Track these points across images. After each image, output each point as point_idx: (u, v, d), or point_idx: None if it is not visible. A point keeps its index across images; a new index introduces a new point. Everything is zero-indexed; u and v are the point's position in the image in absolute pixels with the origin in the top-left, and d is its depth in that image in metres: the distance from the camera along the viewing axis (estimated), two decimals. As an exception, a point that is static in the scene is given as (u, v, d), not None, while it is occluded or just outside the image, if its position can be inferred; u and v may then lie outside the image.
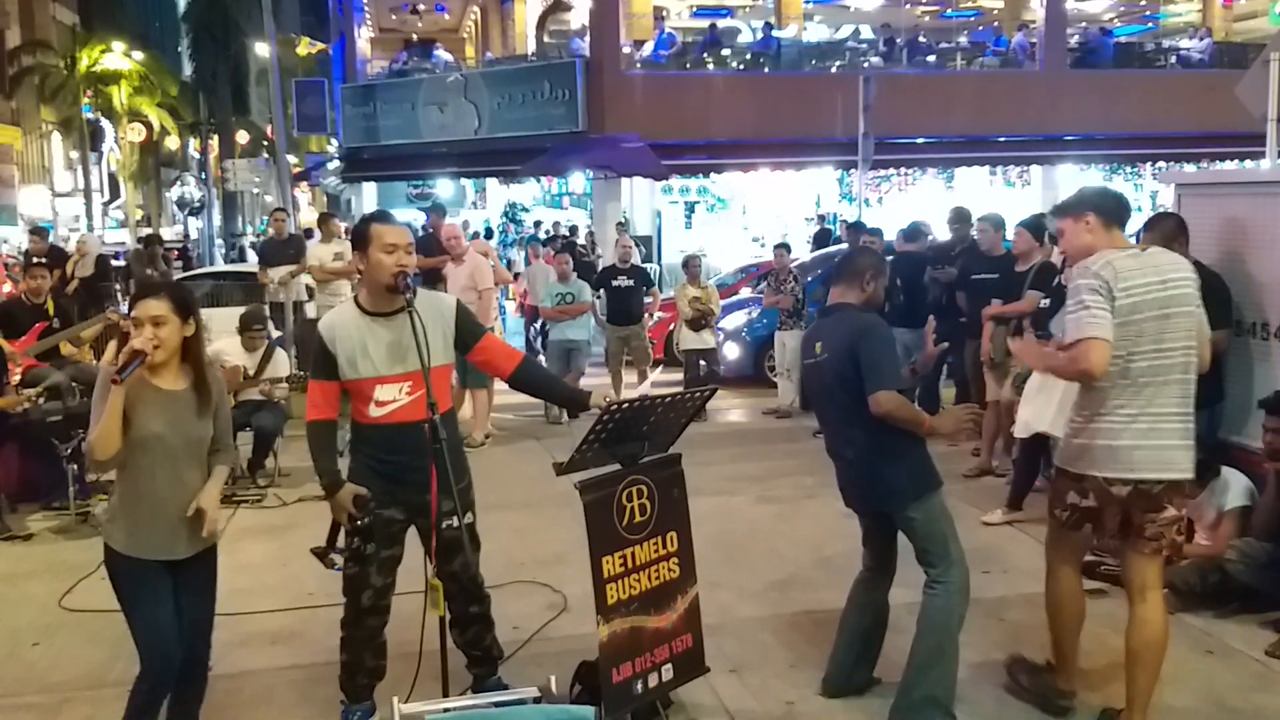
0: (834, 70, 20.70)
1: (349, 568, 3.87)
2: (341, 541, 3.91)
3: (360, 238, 3.76)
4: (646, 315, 10.29)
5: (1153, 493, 3.61)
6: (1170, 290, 3.60)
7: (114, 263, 15.14)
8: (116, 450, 3.28)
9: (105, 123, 37.63)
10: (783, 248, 10.28)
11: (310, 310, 10.75)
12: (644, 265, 10.58)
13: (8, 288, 8.21)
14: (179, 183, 47.41)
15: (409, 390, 3.73)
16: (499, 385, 9.33)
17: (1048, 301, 6.37)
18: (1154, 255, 3.72)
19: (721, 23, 23.27)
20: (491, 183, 23.63)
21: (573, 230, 18.93)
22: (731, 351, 11.12)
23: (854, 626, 4.21)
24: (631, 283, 9.98)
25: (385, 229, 3.74)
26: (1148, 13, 27.81)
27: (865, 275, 4.02)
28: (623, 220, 17.65)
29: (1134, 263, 3.61)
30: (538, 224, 20.36)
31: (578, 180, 21.26)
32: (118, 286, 13.29)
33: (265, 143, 39.50)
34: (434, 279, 9.01)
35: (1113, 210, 3.79)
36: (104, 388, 3.27)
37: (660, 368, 7.75)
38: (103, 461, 3.29)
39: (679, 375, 10.11)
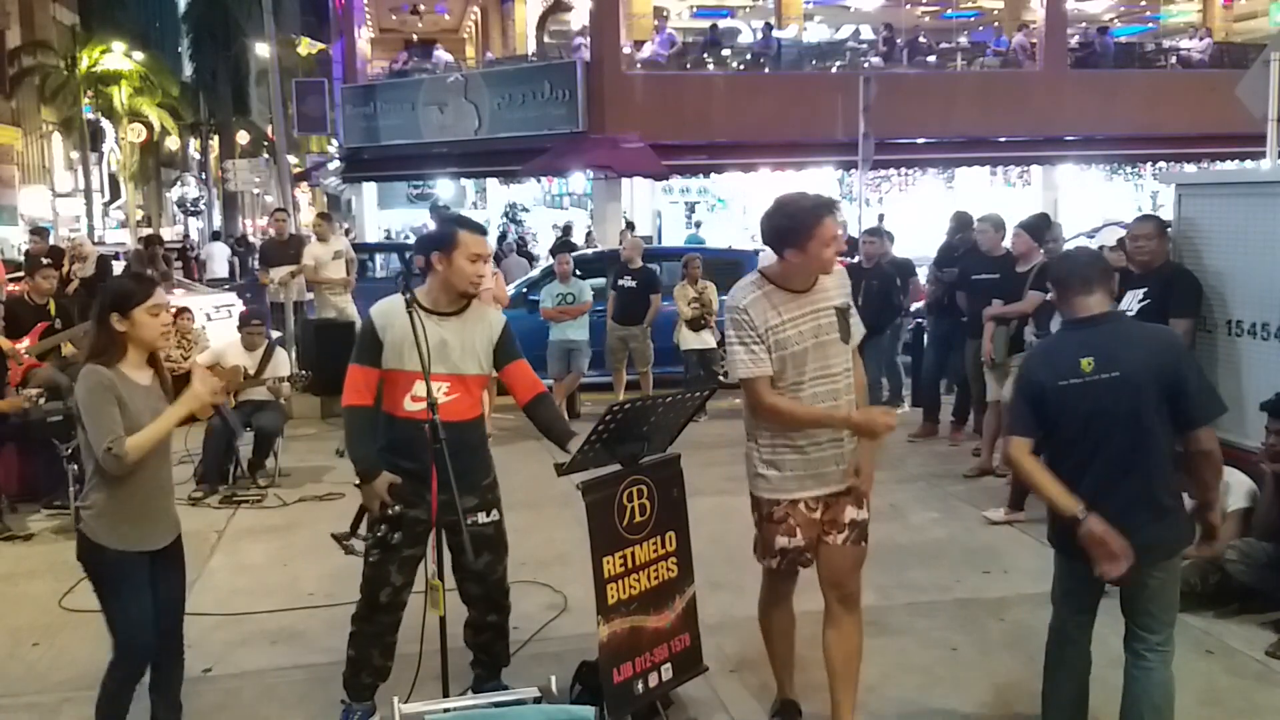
0: (834, 70, 20.68)
1: (372, 555, 3.86)
2: (364, 529, 3.91)
3: (446, 241, 3.78)
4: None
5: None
6: None
7: (115, 263, 15.13)
8: None
9: (106, 123, 37.66)
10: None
11: (310, 311, 10.73)
12: (651, 267, 10.45)
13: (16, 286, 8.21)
14: (179, 183, 47.54)
15: (447, 390, 3.75)
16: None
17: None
18: None
19: (722, 23, 23.28)
20: (492, 183, 23.63)
21: (567, 229, 18.60)
22: None
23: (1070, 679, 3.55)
24: (635, 284, 9.96)
25: (473, 239, 3.78)
26: (1148, 13, 27.82)
27: (1111, 277, 3.49)
28: (625, 221, 17.60)
29: None
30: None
31: (578, 180, 21.25)
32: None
33: (265, 143, 39.57)
34: None
35: None
36: (105, 393, 3.33)
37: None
38: (130, 466, 3.33)
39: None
